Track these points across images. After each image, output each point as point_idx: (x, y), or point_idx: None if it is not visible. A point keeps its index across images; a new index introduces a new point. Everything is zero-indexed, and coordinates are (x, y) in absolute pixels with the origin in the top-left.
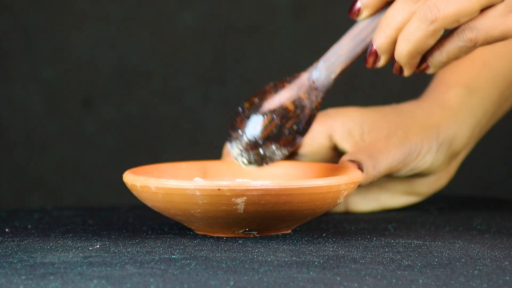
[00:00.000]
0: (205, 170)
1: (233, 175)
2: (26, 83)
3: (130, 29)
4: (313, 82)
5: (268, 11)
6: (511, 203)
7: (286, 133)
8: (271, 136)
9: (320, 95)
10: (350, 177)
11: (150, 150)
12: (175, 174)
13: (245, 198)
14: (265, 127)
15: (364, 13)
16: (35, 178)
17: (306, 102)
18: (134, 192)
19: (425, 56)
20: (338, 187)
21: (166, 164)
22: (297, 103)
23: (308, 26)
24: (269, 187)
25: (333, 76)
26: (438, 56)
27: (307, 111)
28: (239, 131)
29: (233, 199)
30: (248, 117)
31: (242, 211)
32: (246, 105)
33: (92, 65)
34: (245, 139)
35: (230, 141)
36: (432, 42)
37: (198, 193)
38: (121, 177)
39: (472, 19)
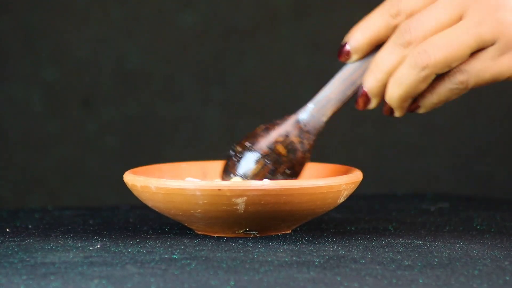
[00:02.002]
0: (205, 170)
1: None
2: (26, 83)
3: (130, 29)
4: (304, 125)
5: (268, 11)
6: (511, 203)
7: (280, 178)
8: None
9: (312, 138)
10: (350, 177)
11: (150, 150)
12: (175, 174)
13: (245, 198)
14: (258, 173)
15: (354, 57)
16: (35, 178)
17: (298, 146)
18: (135, 192)
19: (416, 97)
20: (339, 187)
21: (166, 164)
22: (290, 147)
23: (308, 27)
24: (270, 187)
25: (324, 119)
26: (430, 99)
27: (299, 155)
28: (231, 175)
29: (233, 199)
30: (239, 162)
31: (242, 211)
32: (238, 148)
33: (92, 65)
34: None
35: None
36: (423, 86)
37: (198, 193)
38: (122, 177)
39: (463, 62)
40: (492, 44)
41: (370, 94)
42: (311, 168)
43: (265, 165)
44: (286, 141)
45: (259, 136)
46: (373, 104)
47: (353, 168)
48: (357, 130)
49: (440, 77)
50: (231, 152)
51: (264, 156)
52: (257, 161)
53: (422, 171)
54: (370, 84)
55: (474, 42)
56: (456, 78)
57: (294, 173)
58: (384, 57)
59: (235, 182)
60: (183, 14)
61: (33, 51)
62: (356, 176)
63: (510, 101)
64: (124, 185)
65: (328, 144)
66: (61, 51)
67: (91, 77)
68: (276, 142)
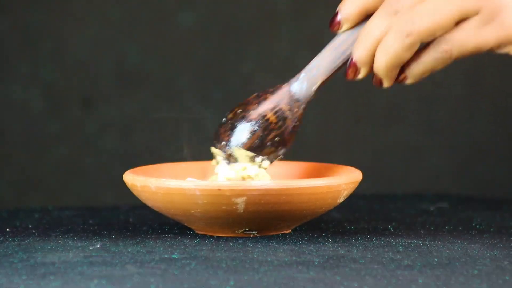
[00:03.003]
0: (205, 170)
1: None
2: (26, 83)
3: (130, 29)
4: (295, 93)
5: (268, 11)
6: (511, 203)
7: (269, 145)
8: (253, 147)
9: (302, 106)
10: (350, 177)
11: (150, 150)
12: (175, 174)
13: (245, 198)
14: (248, 139)
15: (345, 26)
16: (35, 178)
17: (288, 114)
18: (135, 192)
19: (403, 67)
20: (338, 187)
21: (166, 164)
22: (279, 115)
23: (308, 26)
24: (269, 187)
25: (314, 88)
26: (415, 68)
27: (288, 123)
28: (223, 142)
29: (233, 199)
30: (231, 128)
31: (242, 211)
32: (230, 115)
33: (92, 65)
34: (228, 149)
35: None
36: (408, 55)
37: (198, 193)
38: (121, 177)
39: (447, 32)
40: (476, 15)
41: (359, 64)
42: (311, 168)
43: (254, 131)
44: (275, 108)
45: (250, 103)
46: (362, 74)
47: (353, 168)
48: (357, 130)
49: (425, 46)
50: (223, 120)
51: (254, 123)
52: (247, 128)
53: (422, 171)
54: (359, 53)
55: (457, 12)
56: (441, 47)
57: (283, 141)
58: (372, 26)
59: (235, 182)
60: (183, 14)
61: (33, 51)
62: (356, 176)
63: (510, 101)
64: (124, 185)
65: (328, 144)
66: (61, 51)
67: (91, 77)
68: (266, 109)
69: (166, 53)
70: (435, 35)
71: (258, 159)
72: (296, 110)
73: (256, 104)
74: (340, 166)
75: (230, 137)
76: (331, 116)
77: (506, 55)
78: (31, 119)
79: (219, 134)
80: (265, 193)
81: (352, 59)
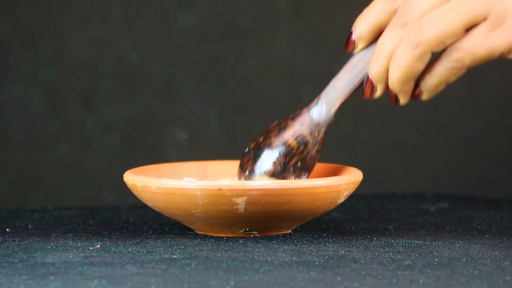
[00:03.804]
0: (205, 170)
1: (234, 175)
2: (26, 83)
3: (130, 29)
4: (315, 117)
5: (268, 11)
6: (511, 203)
7: (291, 171)
8: (276, 174)
9: (322, 130)
10: (350, 177)
11: (150, 150)
12: (175, 174)
13: (245, 198)
14: (270, 166)
15: (360, 45)
16: (35, 177)
17: (309, 138)
18: (135, 192)
19: (418, 82)
20: (338, 187)
21: (166, 164)
22: (300, 140)
23: (308, 26)
24: (270, 187)
25: (333, 110)
26: (429, 80)
27: (310, 147)
28: (246, 171)
29: (233, 199)
30: (253, 158)
31: (242, 211)
32: (252, 145)
33: (92, 65)
34: (252, 179)
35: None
36: (420, 66)
37: (198, 193)
38: (121, 177)
39: (457, 40)
40: (484, 20)
41: (375, 81)
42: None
43: (276, 159)
44: (296, 134)
45: (271, 131)
46: (379, 91)
47: (353, 168)
48: (357, 130)
49: (437, 57)
50: (246, 149)
51: (276, 150)
52: (269, 156)
53: (422, 171)
54: (374, 70)
55: (466, 18)
56: (452, 56)
57: (306, 166)
58: (384, 41)
59: (236, 182)
60: (183, 14)
61: (33, 51)
62: (356, 176)
63: (510, 101)
64: (124, 185)
65: (328, 144)
66: (61, 51)
67: (91, 77)
68: (287, 136)
69: (166, 53)
70: (445, 44)
71: None
72: (317, 134)
73: (277, 131)
74: (341, 166)
75: (254, 166)
76: (334, 117)
77: None
78: (31, 119)
79: (243, 164)
80: (265, 193)
81: (368, 77)
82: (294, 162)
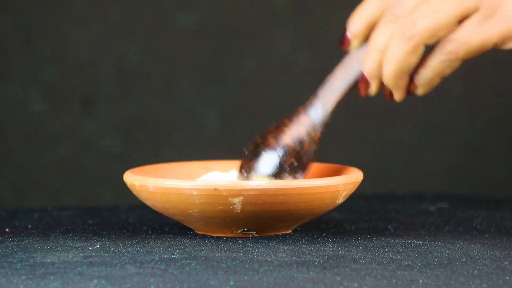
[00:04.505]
0: (207, 169)
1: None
2: (26, 83)
3: (130, 29)
4: (311, 117)
5: (268, 11)
6: (511, 203)
7: (287, 169)
8: (273, 174)
9: (318, 130)
10: (348, 177)
11: (150, 150)
12: (175, 174)
13: (241, 198)
14: (267, 166)
15: (355, 42)
16: (34, 178)
17: (305, 138)
18: (134, 192)
19: (412, 76)
20: (336, 187)
21: (166, 164)
22: (296, 140)
23: (308, 26)
24: (266, 187)
25: (329, 109)
26: (423, 73)
27: (306, 147)
28: (245, 173)
29: (230, 199)
30: (252, 159)
31: (239, 211)
32: (250, 147)
33: (92, 65)
34: (250, 177)
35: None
36: (414, 59)
37: (195, 193)
38: (121, 177)
39: (450, 31)
40: (476, 11)
41: (369, 77)
42: (311, 168)
43: (273, 158)
44: (292, 134)
45: (269, 132)
46: (373, 88)
47: (354, 168)
48: (357, 130)
49: (431, 50)
50: (244, 151)
51: (273, 150)
52: (266, 156)
53: (422, 171)
54: (368, 66)
55: (458, 9)
56: (445, 49)
57: (302, 165)
58: (377, 36)
59: (232, 182)
60: (183, 14)
61: (33, 51)
62: (355, 176)
63: (510, 101)
64: (123, 185)
65: (328, 144)
66: (61, 51)
67: (91, 77)
68: (284, 135)
69: (166, 53)
70: (438, 36)
71: None
72: (313, 134)
73: (274, 132)
74: (342, 166)
75: (252, 168)
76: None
77: (509, 52)
78: (30, 119)
79: (241, 166)
80: (262, 193)
81: (362, 74)
82: (291, 162)
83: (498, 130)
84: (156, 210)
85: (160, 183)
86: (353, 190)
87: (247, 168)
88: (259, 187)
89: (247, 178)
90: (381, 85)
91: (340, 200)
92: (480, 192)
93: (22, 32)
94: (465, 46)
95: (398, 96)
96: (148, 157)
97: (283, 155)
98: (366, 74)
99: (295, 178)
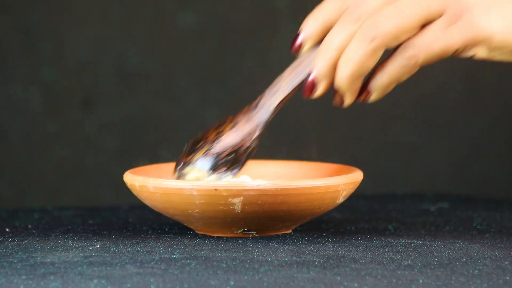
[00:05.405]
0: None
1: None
2: (26, 83)
3: (130, 29)
4: (255, 115)
5: (267, 11)
6: (511, 203)
7: (221, 163)
8: (207, 165)
9: (260, 126)
10: (348, 177)
11: (150, 150)
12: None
13: (242, 198)
14: (202, 158)
15: (307, 45)
16: (35, 178)
17: (245, 136)
18: (134, 192)
19: (367, 82)
20: (336, 187)
21: (166, 164)
22: (235, 136)
23: None
24: (266, 187)
25: (271, 108)
26: (380, 79)
27: (245, 144)
28: (180, 164)
29: (230, 199)
30: (188, 152)
31: (239, 211)
32: (190, 143)
33: (92, 65)
34: (182, 172)
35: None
36: (372, 62)
37: (195, 193)
38: (121, 177)
39: (412, 36)
40: (440, 16)
41: (318, 77)
42: (312, 168)
43: (208, 150)
44: (233, 130)
45: (210, 128)
46: (320, 89)
47: (354, 168)
48: (356, 130)
49: (390, 54)
50: (184, 146)
51: (209, 143)
52: (203, 149)
53: (422, 171)
54: (319, 66)
55: (422, 13)
56: (407, 53)
57: (236, 160)
58: (333, 36)
59: (232, 182)
60: (183, 14)
61: (33, 51)
62: (355, 176)
63: (510, 101)
64: (123, 185)
65: (328, 144)
66: (61, 51)
67: (91, 77)
68: (223, 130)
69: (166, 53)
70: (400, 39)
71: (211, 177)
72: (254, 132)
73: (215, 129)
74: (342, 166)
75: (187, 160)
76: (330, 116)
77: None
78: (31, 119)
79: (178, 161)
80: (262, 194)
81: (309, 75)
82: (225, 154)
83: (498, 130)
84: (156, 210)
85: (160, 183)
86: (353, 190)
87: (182, 160)
88: (259, 187)
89: (181, 169)
90: (328, 88)
91: (340, 200)
92: (480, 192)
93: (22, 32)
94: (427, 51)
95: (349, 99)
96: (148, 157)
97: (220, 151)
98: (316, 75)
99: (231, 174)
